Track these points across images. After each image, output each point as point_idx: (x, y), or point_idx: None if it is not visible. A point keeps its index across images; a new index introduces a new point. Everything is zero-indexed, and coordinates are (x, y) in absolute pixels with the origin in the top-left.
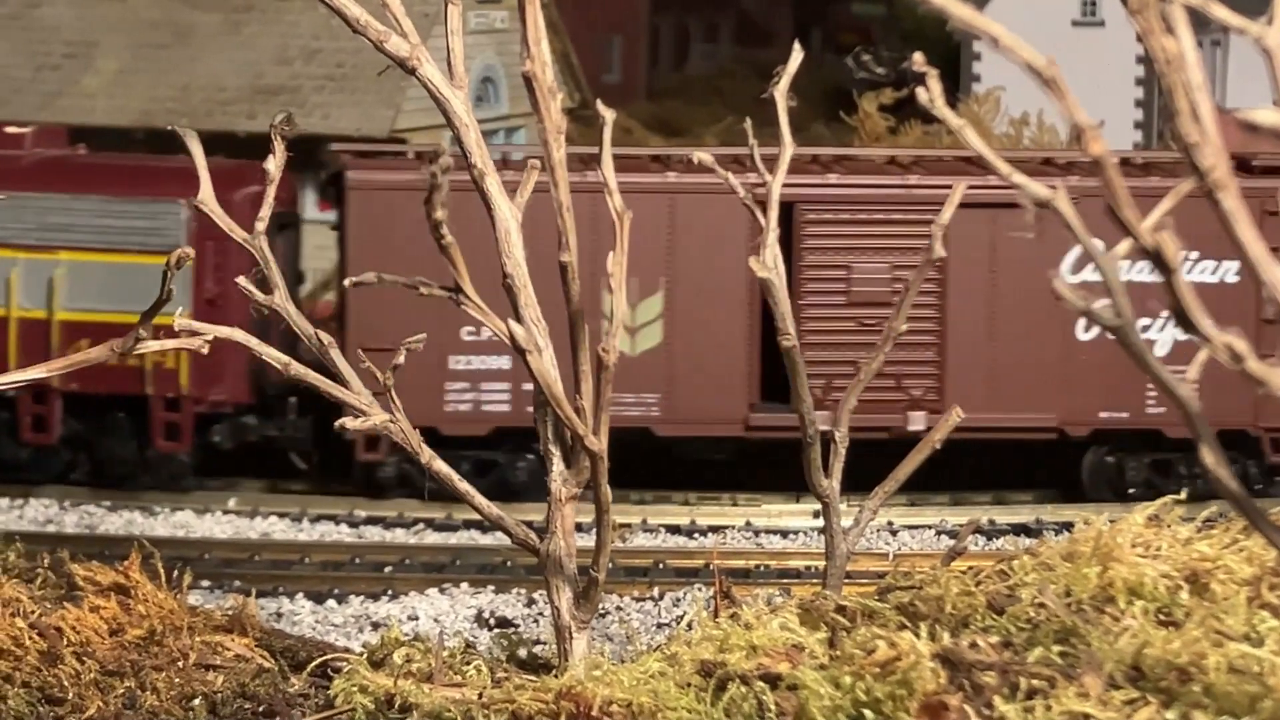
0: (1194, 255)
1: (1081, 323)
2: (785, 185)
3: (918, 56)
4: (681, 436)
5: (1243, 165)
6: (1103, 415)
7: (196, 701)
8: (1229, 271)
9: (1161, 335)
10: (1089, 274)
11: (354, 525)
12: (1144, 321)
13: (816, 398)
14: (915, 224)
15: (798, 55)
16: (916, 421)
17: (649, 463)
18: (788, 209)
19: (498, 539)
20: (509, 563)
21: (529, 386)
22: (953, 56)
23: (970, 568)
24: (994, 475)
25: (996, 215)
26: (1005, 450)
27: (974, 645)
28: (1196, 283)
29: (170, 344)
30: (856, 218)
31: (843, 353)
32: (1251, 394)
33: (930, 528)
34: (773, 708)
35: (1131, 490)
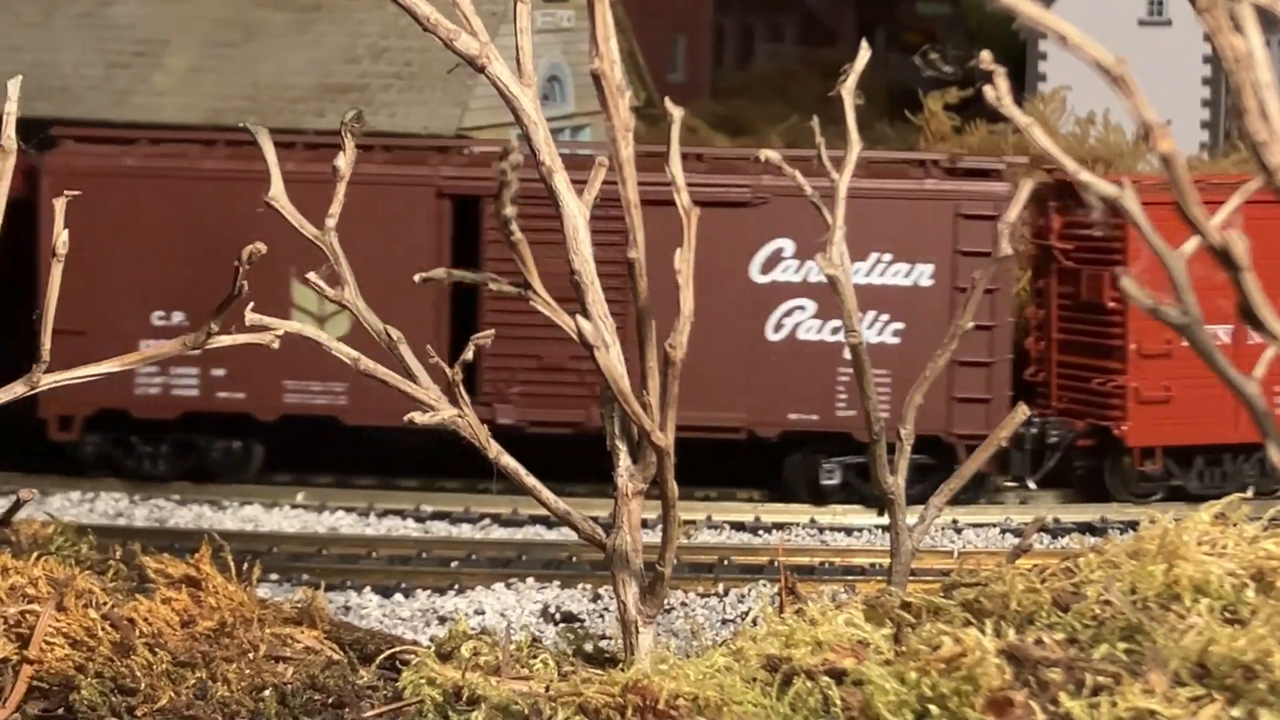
0: (888, 257)
1: (771, 323)
2: (476, 179)
3: (985, 55)
4: (370, 426)
5: (939, 167)
6: (792, 417)
7: (267, 693)
8: (923, 275)
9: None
10: (779, 274)
11: (420, 520)
12: (834, 323)
13: (497, 390)
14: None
15: (865, 53)
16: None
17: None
18: (476, 202)
19: (563, 534)
20: (574, 558)
21: (219, 371)
22: (1018, 56)
23: (1035, 565)
24: (1059, 474)
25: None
26: (1072, 450)
27: (1039, 642)
28: (890, 286)
29: (241, 338)
30: (541, 212)
31: (525, 346)
32: (946, 401)
33: (995, 526)
34: (838, 703)
35: (829, 493)
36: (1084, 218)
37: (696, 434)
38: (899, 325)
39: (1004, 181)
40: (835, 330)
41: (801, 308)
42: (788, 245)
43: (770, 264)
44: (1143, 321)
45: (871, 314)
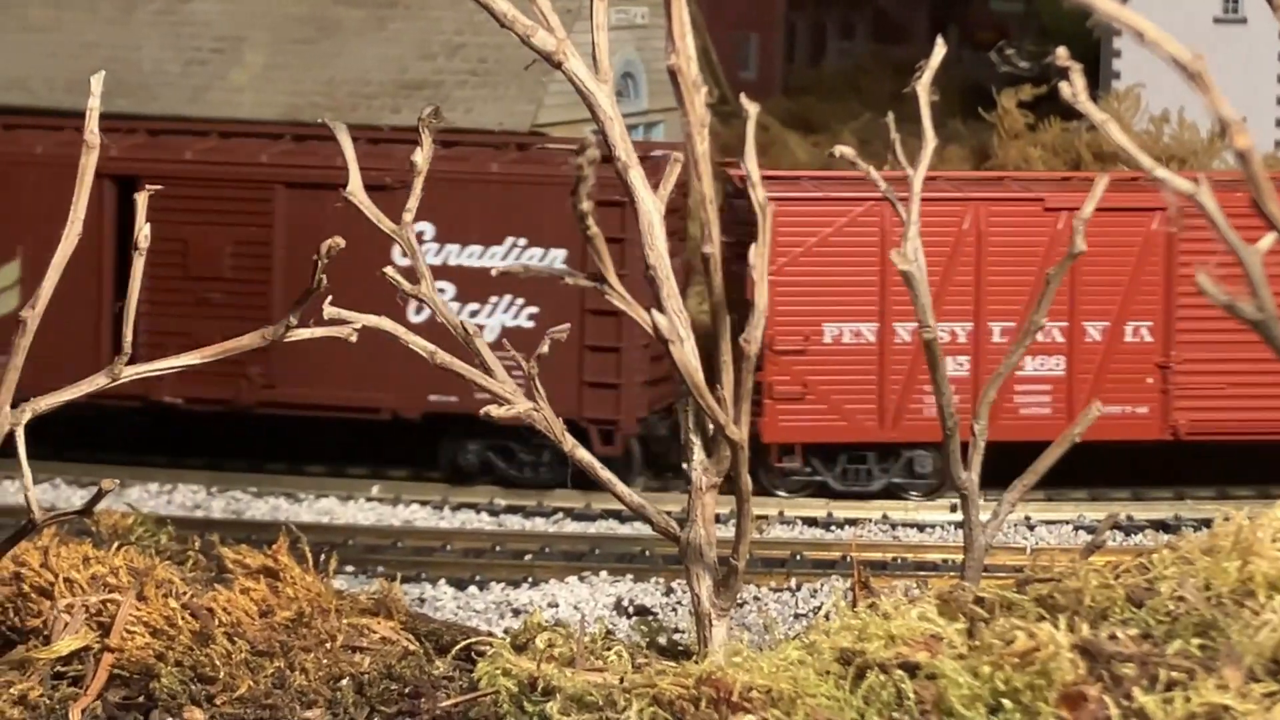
0: (523, 242)
1: (413, 306)
2: (129, 159)
3: (1061, 51)
4: None
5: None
6: (433, 399)
7: (344, 682)
8: (556, 260)
9: (490, 321)
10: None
11: (494, 514)
12: (472, 306)
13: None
14: (251, 201)
15: (940, 50)
16: (250, 394)
17: None
18: (131, 183)
19: (636, 529)
20: (647, 552)
21: None
22: (1092, 53)
23: (1109, 562)
24: (1133, 472)
25: (323, 196)
26: (1147, 448)
27: (1113, 637)
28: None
29: (320, 331)
30: (195, 193)
31: (179, 324)
32: (577, 385)
33: (1068, 523)
34: (911, 696)
35: (468, 472)
36: (739, 210)
37: (341, 414)
38: (534, 309)
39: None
40: (474, 313)
41: (441, 290)
42: (428, 229)
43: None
44: (777, 318)
45: (508, 298)
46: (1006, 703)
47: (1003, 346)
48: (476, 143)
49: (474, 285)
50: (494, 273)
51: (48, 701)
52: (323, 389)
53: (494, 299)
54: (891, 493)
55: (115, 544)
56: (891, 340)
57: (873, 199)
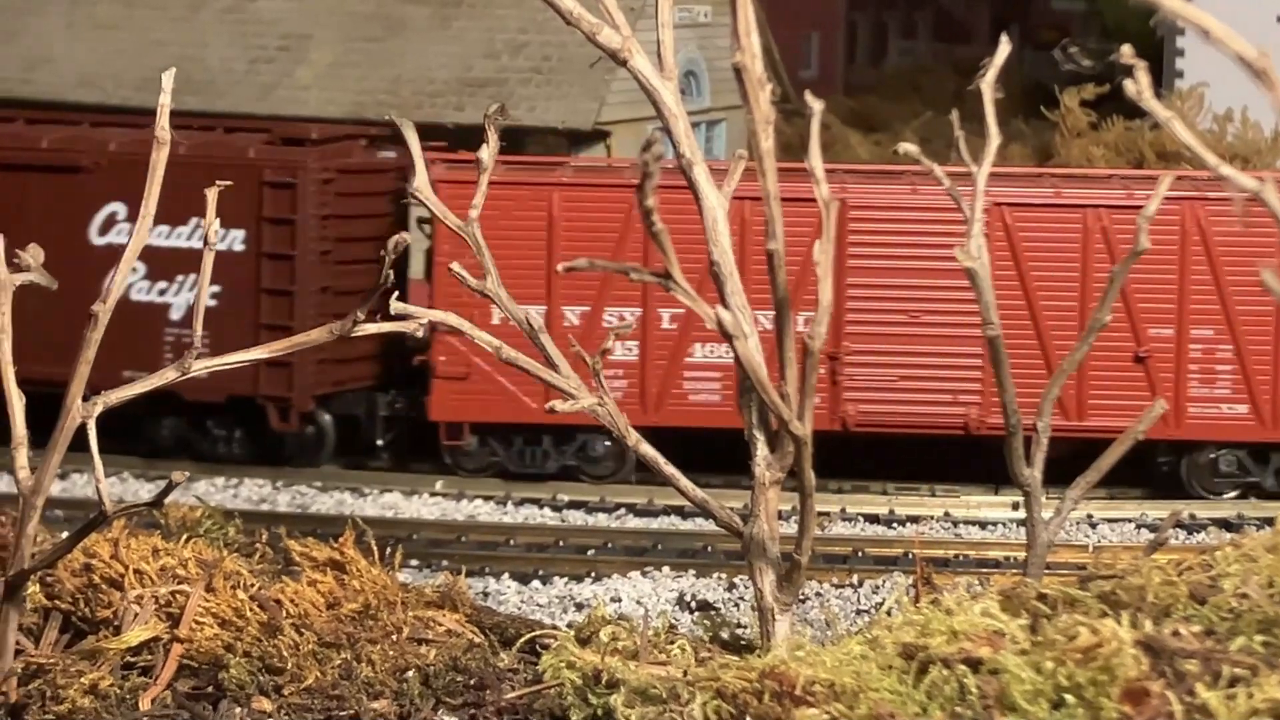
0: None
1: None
2: None
3: (1126, 49)
4: None
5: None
6: (125, 375)
7: (410, 674)
8: (236, 240)
9: (177, 300)
10: (114, 237)
11: (557, 509)
12: (161, 285)
13: None
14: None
15: (1005, 47)
16: None
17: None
18: None
19: (698, 524)
20: (709, 547)
21: None
22: (1155, 52)
23: (1172, 559)
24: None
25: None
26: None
27: (1176, 633)
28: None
29: (387, 326)
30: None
31: None
32: (255, 364)
33: (1130, 521)
34: (974, 691)
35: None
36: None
37: (42, 388)
38: (216, 288)
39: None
40: (163, 292)
41: (135, 270)
42: (121, 209)
43: (106, 227)
44: (446, 295)
45: (193, 277)
46: (1069, 698)
47: (671, 333)
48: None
49: (163, 264)
50: (560, 269)
51: (118, 691)
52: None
53: (180, 278)
54: (569, 475)
55: (184, 536)
56: (560, 323)
57: (541, 184)
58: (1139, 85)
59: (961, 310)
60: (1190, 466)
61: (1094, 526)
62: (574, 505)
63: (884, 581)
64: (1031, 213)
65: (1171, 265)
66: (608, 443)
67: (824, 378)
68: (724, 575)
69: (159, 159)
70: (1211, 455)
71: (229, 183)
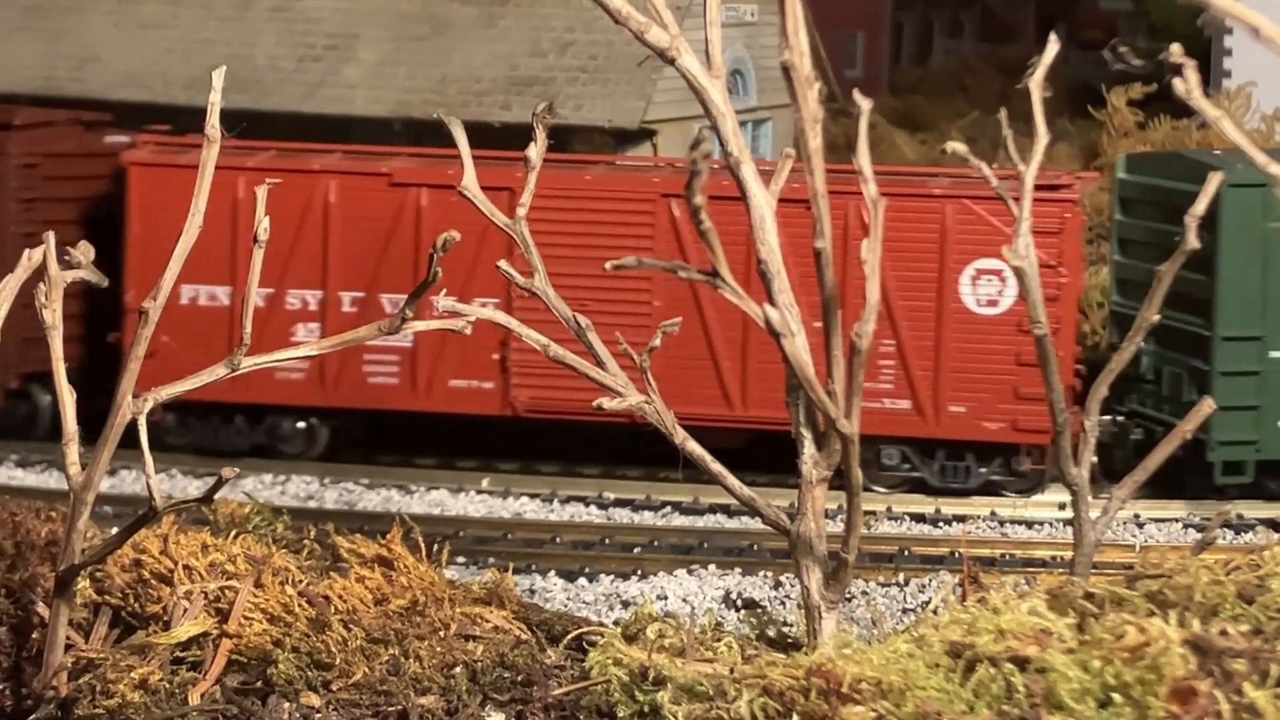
0: None
1: None
2: None
3: (1175, 48)
4: None
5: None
6: None
7: (458, 670)
8: None
9: None
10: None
11: (603, 507)
12: None
13: None
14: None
15: (1054, 46)
16: None
17: None
18: None
19: (744, 523)
20: (755, 546)
21: None
22: (1203, 52)
23: (1219, 559)
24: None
25: None
26: None
27: (1224, 633)
28: None
29: (434, 324)
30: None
31: None
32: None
33: (1177, 521)
34: (1021, 689)
35: None
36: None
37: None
38: None
39: None
40: None
41: None
42: None
43: None
44: (140, 278)
45: None
46: (1116, 697)
47: (352, 315)
48: None
49: None
50: (607, 266)
51: (167, 686)
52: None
53: None
54: (261, 453)
55: (233, 532)
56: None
57: (225, 168)
58: (1188, 84)
59: (627, 299)
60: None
61: (1141, 526)
62: (620, 503)
63: (930, 580)
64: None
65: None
66: (299, 424)
67: (495, 364)
68: (770, 573)
69: (209, 157)
70: (877, 449)
71: (279, 180)
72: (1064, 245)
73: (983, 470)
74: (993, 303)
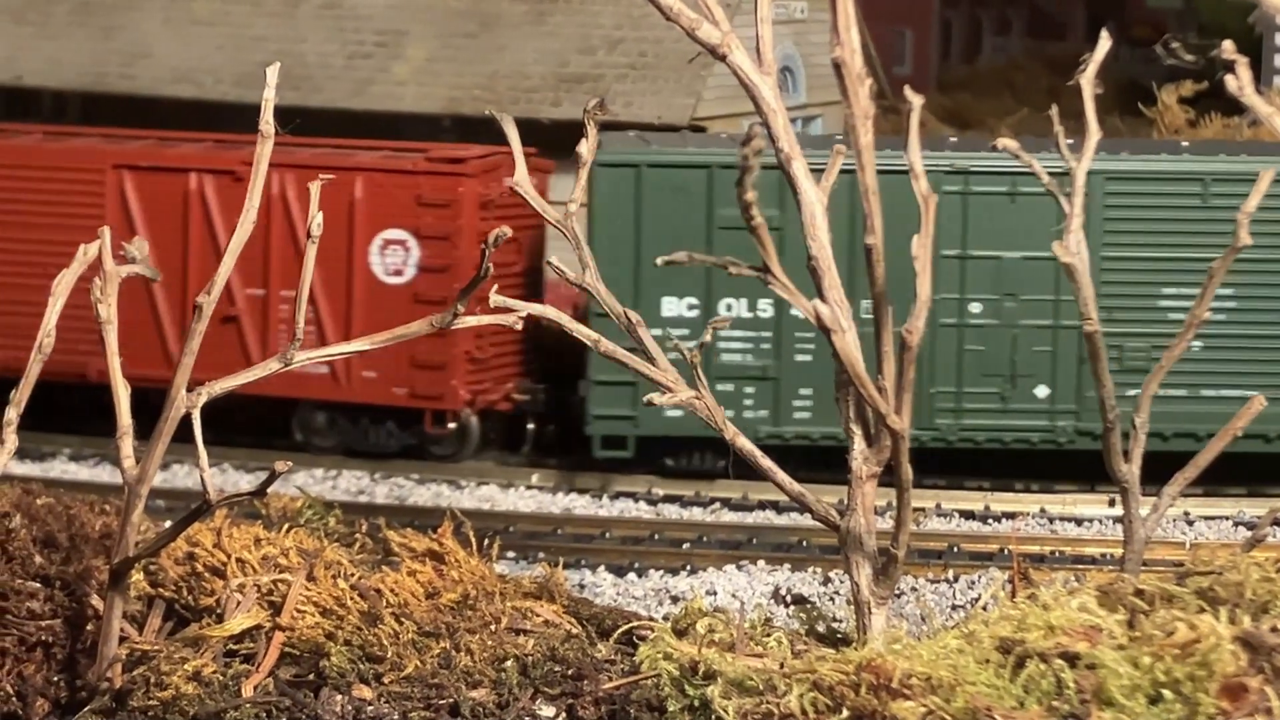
0: None
1: None
2: None
3: (1228, 44)
4: None
5: None
6: None
7: (508, 663)
8: None
9: None
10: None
11: (652, 503)
12: None
13: None
14: None
15: (1105, 42)
16: None
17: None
18: None
19: (793, 519)
20: (804, 542)
21: None
22: (1253, 49)
23: (1270, 556)
24: None
25: None
26: None
27: (1275, 629)
28: None
29: (486, 319)
30: None
31: None
32: None
33: (1227, 518)
34: (1071, 685)
35: None
36: None
37: None
38: None
39: None
40: None
41: None
42: None
43: None
44: None
45: None
46: (1167, 693)
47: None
48: None
49: None
50: (659, 262)
51: (221, 678)
52: None
53: None
54: None
55: (285, 526)
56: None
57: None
58: (1240, 81)
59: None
60: (299, 422)
61: (1191, 524)
62: (669, 499)
63: (979, 577)
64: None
65: (262, 230)
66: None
67: None
68: (819, 569)
69: (264, 152)
70: (312, 411)
71: (331, 176)
72: (457, 217)
73: (404, 434)
74: (398, 272)
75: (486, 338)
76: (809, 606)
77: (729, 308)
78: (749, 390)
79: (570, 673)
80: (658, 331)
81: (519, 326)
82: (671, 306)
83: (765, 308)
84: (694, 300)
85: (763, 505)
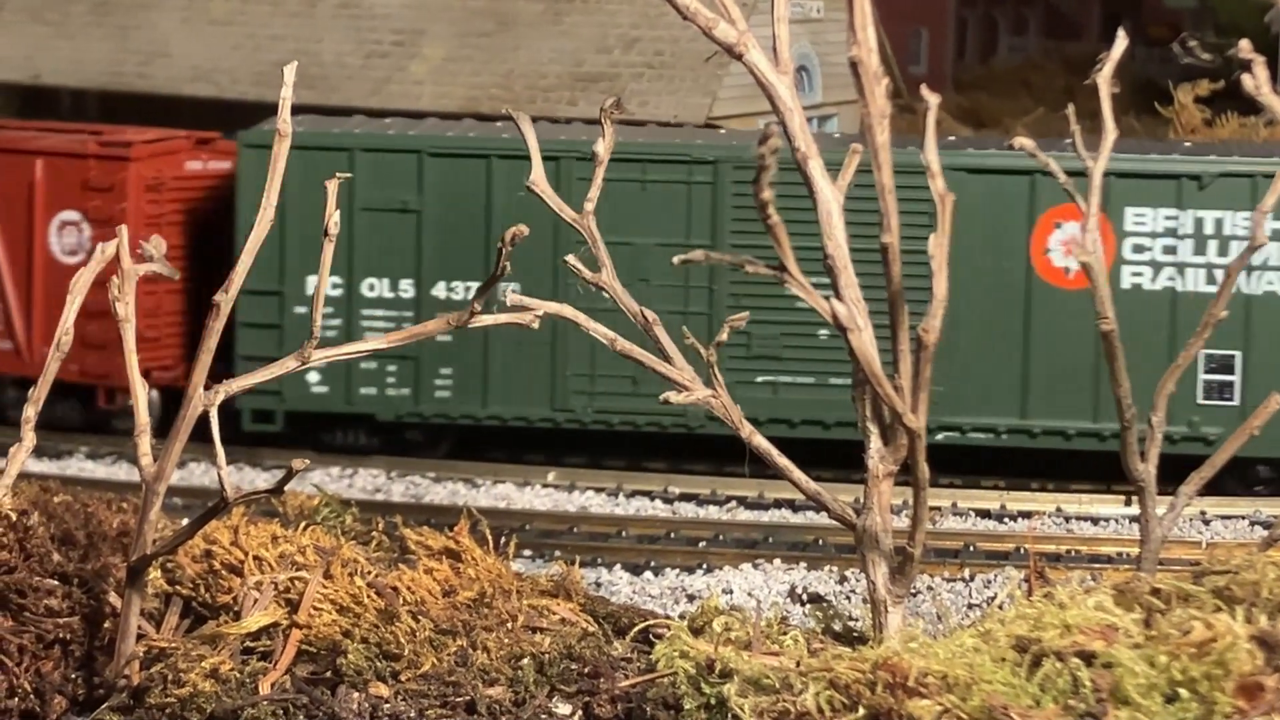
0: None
1: None
2: None
3: (1244, 43)
4: None
5: None
6: None
7: (525, 661)
8: None
9: None
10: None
11: (668, 501)
12: None
13: None
14: None
15: (1122, 42)
16: None
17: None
18: None
19: (809, 517)
20: (821, 541)
21: None
22: (1270, 49)
23: None
24: None
25: None
26: None
27: None
28: None
29: (503, 318)
30: None
31: None
32: None
33: (1243, 518)
34: (1087, 684)
35: None
36: None
37: None
38: None
39: None
40: None
41: None
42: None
43: None
44: None
45: None
46: (1183, 692)
47: None
48: None
49: None
50: (675, 261)
51: (238, 675)
52: None
53: None
54: None
55: (302, 524)
56: None
57: None
58: (1257, 80)
59: None
60: None
61: (1207, 523)
62: (685, 497)
63: (995, 576)
64: None
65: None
66: None
67: None
68: (835, 568)
69: (280, 151)
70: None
71: (349, 175)
72: (121, 200)
73: (87, 410)
74: (74, 252)
75: (160, 316)
76: (825, 605)
77: (371, 288)
78: (391, 368)
79: (586, 670)
80: (302, 309)
81: (535, 325)
82: (314, 285)
83: (407, 288)
84: (337, 279)
85: (779, 504)
